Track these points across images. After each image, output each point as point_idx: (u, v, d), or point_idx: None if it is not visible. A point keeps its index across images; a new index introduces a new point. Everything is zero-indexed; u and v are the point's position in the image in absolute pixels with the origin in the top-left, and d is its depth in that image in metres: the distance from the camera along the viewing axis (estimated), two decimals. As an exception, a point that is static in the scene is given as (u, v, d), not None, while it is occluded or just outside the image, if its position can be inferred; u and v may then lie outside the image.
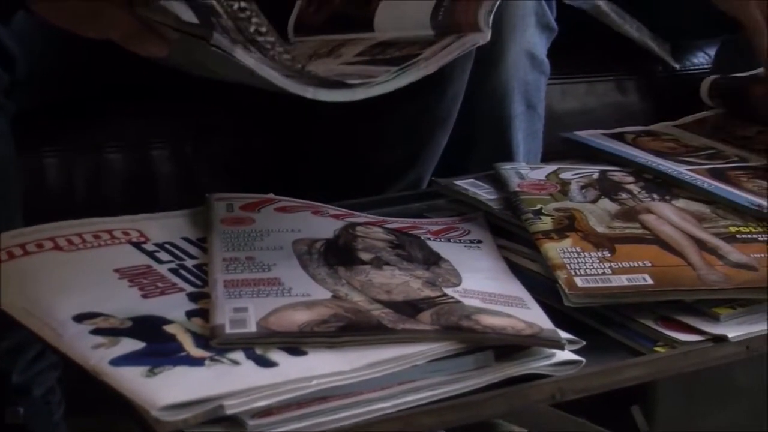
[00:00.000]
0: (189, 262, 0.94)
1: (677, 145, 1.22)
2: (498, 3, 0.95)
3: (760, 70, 1.33)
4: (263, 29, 0.85)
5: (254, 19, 0.85)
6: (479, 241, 1.03)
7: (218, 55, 0.84)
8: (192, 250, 0.96)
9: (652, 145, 1.22)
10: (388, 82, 0.91)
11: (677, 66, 1.17)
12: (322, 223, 1.01)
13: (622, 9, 1.06)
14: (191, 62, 0.91)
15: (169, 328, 0.83)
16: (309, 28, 1.06)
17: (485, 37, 0.95)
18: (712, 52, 1.71)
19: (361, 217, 1.05)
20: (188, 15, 0.85)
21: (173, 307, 0.86)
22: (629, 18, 1.08)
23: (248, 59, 0.85)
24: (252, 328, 0.81)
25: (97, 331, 0.82)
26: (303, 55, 1.01)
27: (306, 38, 1.06)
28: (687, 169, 1.13)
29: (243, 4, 0.85)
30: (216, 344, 0.80)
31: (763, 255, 0.97)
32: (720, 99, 1.32)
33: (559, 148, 1.26)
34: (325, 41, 1.03)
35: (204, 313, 0.85)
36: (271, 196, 1.06)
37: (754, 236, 1.00)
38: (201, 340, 0.81)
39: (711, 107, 1.33)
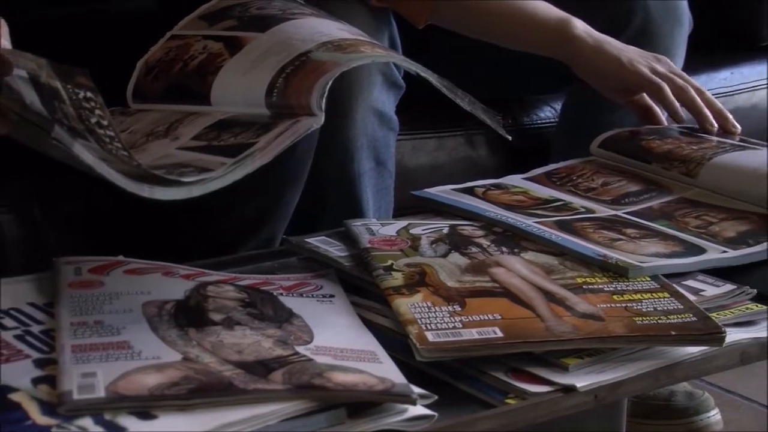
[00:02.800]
0: (35, 328, 0.92)
1: (526, 198, 1.25)
2: (329, 85, 0.97)
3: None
4: (104, 122, 0.85)
5: (97, 111, 0.85)
6: (332, 296, 1.03)
7: (58, 148, 0.84)
8: (39, 315, 0.95)
9: (501, 198, 1.24)
10: (224, 177, 0.92)
11: (509, 138, 1.19)
12: (173, 284, 1.01)
13: (453, 85, 1.09)
14: (32, 143, 0.90)
15: (14, 396, 0.81)
16: (148, 96, 1.07)
17: (318, 120, 0.97)
18: (557, 105, 1.75)
19: (213, 276, 1.05)
20: (32, 95, 0.85)
21: (18, 374, 0.84)
22: (461, 93, 1.10)
23: (87, 156, 0.85)
24: (101, 393, 0.80)
25: (-62, 402, 0.79)
26: (141, 132, 1.01)
27: (144, 106, 1.06)
28: (535, 222, 1.16)
29: (89, 95, 0.85)
30: (63, 411, 0.78)
31: (609, 305, 0.99)
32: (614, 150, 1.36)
33: (410, 203, 1.27)
34: (163, 115, 1.03)
35: (51, 380, 0.83)
36: (121, 258, 1.05)
37: (600, 286, 1.02)
38: (48, 408, 0.79)
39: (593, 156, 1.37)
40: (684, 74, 1.44)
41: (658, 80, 1.41)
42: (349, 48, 1.01)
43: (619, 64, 1.42)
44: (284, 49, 1.01)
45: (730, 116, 1.42)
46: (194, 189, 0.91)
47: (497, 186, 1.28)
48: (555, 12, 1.45)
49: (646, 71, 1.42)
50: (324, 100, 0.97)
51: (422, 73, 1.05)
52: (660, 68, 1.43)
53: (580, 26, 1.44)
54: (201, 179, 0.91)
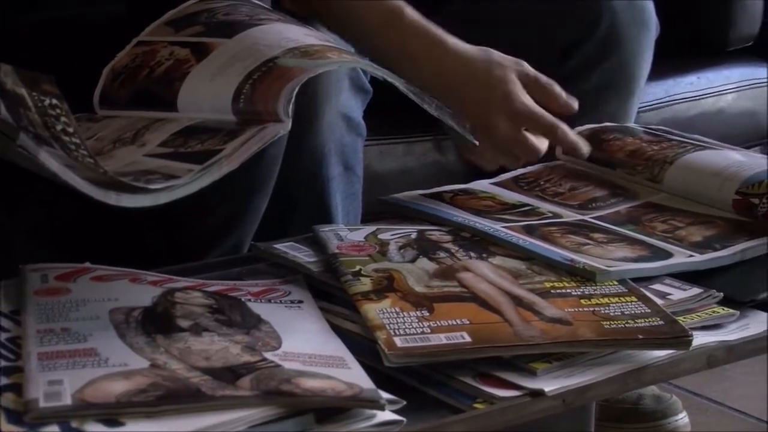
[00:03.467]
0: (1, 336, 0.92)
1: (494, 203, 1.25)
2: (296, 91, 0.97)
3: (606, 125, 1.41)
4: (70, 129, 0.85)
5: (63, 119, 0.85)
6: (300, 301, 1.03)
7: (23, 155, 0.84)
8: (5, 323, 0.94)
9: (469, 203, 1.24)
10: (191, 184, 0.92)
11: (476, 143, 1.20)
12: (140, 291, 1.00)
13: (420, 90, 1.09)
14: None
15: (-20, 405, 0.80)
16: (114, 103, 1.06)
17: (285, 127, 0.96)
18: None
19: (181, 282, 1.04)
20: None
21: (-16, 383, 0.83)
22: (428, 98, 1.10)
23: (53, 163, 0.85)
24: (67, 401, 0.79)
25: None
26: (107, 138, 1.01)
27: (111, 112, 1.06)
28: (503, 227, 1.16)
29: (54, 102, 0.85)
30: (29, 419, 0.78)
31: (577, 309, 0.99)
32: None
33: (379, 208, 1.27)
34: (130, 122, 1.03)
35: (18, 388, 0.83)
36: (88, 265, 1.04)
37: (568, 291, 1.03)
38: (14, 416, 0.79)
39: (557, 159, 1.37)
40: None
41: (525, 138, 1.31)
42: (316, 54, 1.01)
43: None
44: (251, 55, 1.01)
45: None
46: (161, 196, 0.91)
47: (465, 191, 1.28)
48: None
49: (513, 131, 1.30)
50: (291, 106, 0.97)
51: (389, 78, 1.05)
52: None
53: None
54: (168, 186, 0.91)
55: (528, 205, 1.25)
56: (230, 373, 0.86)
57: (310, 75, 0.98)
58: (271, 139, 0.96)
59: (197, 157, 0.94)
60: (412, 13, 1.32)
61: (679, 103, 1.94)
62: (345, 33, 1.30)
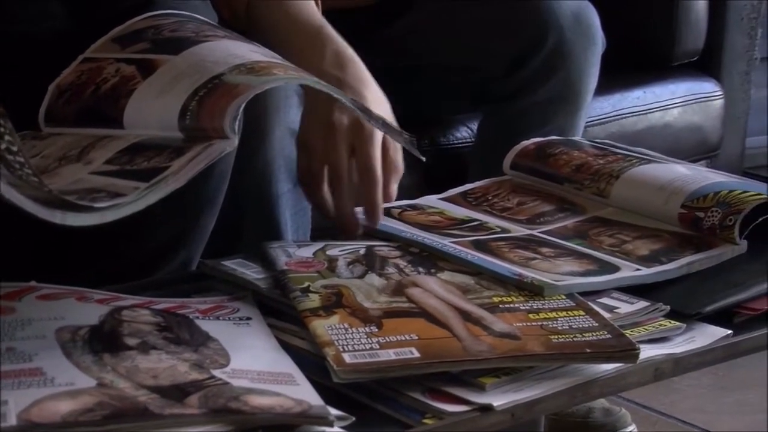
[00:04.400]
0: (-54, 356, 0.91)
1: (442, 218, 1.25)
2: (242, 108, 0.97)
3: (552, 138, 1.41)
4: (14, 148, 0.85)
5: (7, 137, 0.84)
6: (248, 318, 1.03)
7: None
8: (-51, 342, 0.93)
9: (417, 218, 1.24)
10: (137, 202, 0.92)
11: (423, 159, 1.20)
12: (87, 309, 1.00)
13: (365, 106, 1.09)
14: None
15: (-76, 426, 0.80)
16: (60, 120, 1.06)
17: (232, 144, 0.96)
18: (474, 125, 1.76)
19: (128, 300, 1.04)
20: None
21: (-72, 403, 0.82)
22: (375, 114, 1.11)
23: None
24: (12, 421, 0.79)
25: None
26: (53, 156, 1.00)
27: (57, 129, 1.05)
28: (451, 242, 1.16)
29: None
30: (-26, 440, 0.77)
31: (525, 324, 1.00)
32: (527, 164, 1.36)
33: (327, 224, 1.27)
34: (76, 139, 1.02)
35: (-38, 409, 0.82)
36: (33, 284, 1.04)
37: (517, 305, 1.03)
38: (-42, 437, 0.78)
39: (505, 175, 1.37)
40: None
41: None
42: (262, 71, 1.01)
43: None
44: (197, 72, 1.01)
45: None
46: (107, 214, 0.90)
47: (413, 207, 1.28)
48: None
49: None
50: (237, 123, 0.97)
51: (334, 95, 1.05)
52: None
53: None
54: (114, 204, 0.91)
55: (476, 220, 1.25)
56: (178, 391, 0.85)
57: (256, 92, 0.98)
58: (218, 156, 0.95)
59: (143, 174, 0.94)
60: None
61: (626, 117, 1.96)
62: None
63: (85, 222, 0.89)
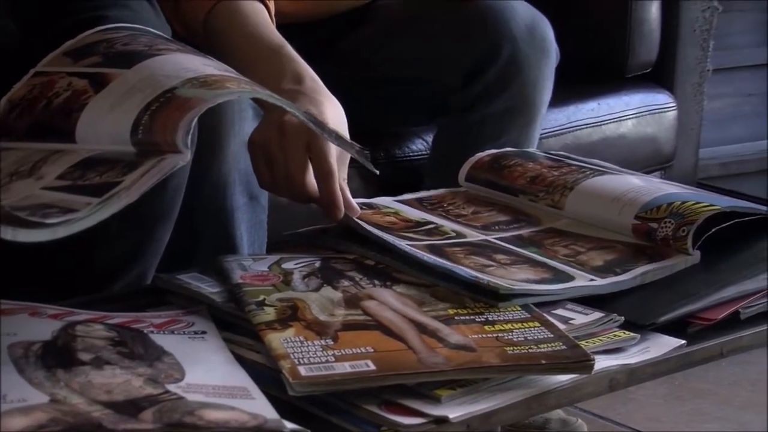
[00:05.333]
0: None
1: (397, 219, 1.25)
2: (195, 123, 0.97)
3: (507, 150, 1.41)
4: None
5: None
6: (203, 332, 1.02)
7: None
8: None
9: (373, 218, 1.24)
10: (89, 217, 0.91)
11: (377, 172, 1.20)
12: (40, 325, 0.99)
13: (318, 120, 1.09)
14: None
15: None
16: (11, 134, 1.05)
17: (185, 158, 0.96)
18: (429, 137, 1.77)
19: (82, 315, 1.03)
20: None
21: None
22: (328, 128, 1.11)
23: None
24: (-37, 438, 0.78)
25: None
26: (4, 171, 0.99)
27: (8, 144, 1.04)
28: (408, 244, 1.16)
29: None
30: (-75, 458, 0.76)
31: (480, 335, 1.00)
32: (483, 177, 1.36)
33: (284, 237, 1.27)
34: (27, 154, 1.01)
35: None
36: (-15, 299, 1.03)
37: (472, 317, 1.03)
38: None
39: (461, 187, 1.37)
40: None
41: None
42: (215, 84, 1.01)
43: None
44: (149, 86, 1.01)
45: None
46: (59, 230, 0.89)
47: (369, 206, 1.28)
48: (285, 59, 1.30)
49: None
50: (190, 137, 0.97)
51: (287, 108, 1.06)
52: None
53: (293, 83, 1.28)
54: (65, 220, 0.90)
55: (431, 222, 1.25)
56: (132, 407, 0.85)
57: (209, 105, 0.98)
58: (170, 171, 0.95)
59: (96, 189, 0.93)
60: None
61: (580, 129, 1.97)
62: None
63: (37, 238, 0.88)
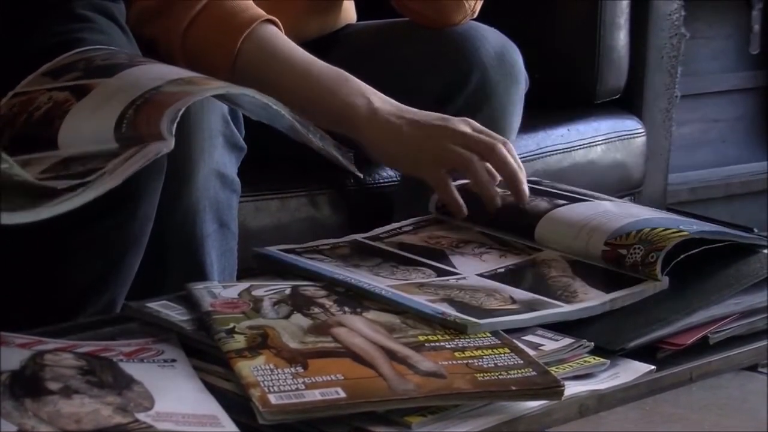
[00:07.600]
0: None
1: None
2: (181, 112, 0.96)
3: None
4: None
5: None
6: (173, 360, 1.02)
7: None
8: None
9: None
10: (73, 199, 0.89)
11: (361, 175, 1.20)
12: (8, 354, 0.98)
13: (304, 121, 1.09)
14: None
15: None
16: None
17: (169, 145, 0.94)
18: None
19: (50, 344, 1.02)
20: None
21: None
22: (312, 128, 1.10)
23: None
24: (-70, 470, 0.77)
25: None
26: None
27: None
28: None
29: None
30: None
31: (451, 362, 1.00)
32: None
33: (254, 264, 1.27)
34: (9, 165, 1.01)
35: None
36: (-47, 328, 1.02)
37: (442, 344, 1.03)
38: None
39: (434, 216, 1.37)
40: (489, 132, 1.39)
41: (444, 178, 1.36)
42: (201, 83, 1.00)
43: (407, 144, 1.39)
44: (134, 86, 1.00)
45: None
46: (42, 212, 0.88)
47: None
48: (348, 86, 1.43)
49: (436, 169, 1.36)
50: (174, 126, 0.95)
51: (274, 106, 1.04)
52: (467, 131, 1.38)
53: (366, 104, 1.42)
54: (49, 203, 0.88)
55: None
56: (101, 436, 0.84)
57: (196, 98, 0.97)
58: (154, 157, 0.93)
59: (79, 176, 0.92)
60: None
61: (550, 155, 1.98)
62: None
63: (19, 220, 0.86)
